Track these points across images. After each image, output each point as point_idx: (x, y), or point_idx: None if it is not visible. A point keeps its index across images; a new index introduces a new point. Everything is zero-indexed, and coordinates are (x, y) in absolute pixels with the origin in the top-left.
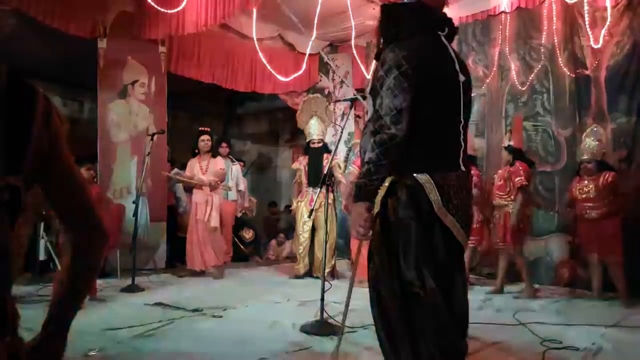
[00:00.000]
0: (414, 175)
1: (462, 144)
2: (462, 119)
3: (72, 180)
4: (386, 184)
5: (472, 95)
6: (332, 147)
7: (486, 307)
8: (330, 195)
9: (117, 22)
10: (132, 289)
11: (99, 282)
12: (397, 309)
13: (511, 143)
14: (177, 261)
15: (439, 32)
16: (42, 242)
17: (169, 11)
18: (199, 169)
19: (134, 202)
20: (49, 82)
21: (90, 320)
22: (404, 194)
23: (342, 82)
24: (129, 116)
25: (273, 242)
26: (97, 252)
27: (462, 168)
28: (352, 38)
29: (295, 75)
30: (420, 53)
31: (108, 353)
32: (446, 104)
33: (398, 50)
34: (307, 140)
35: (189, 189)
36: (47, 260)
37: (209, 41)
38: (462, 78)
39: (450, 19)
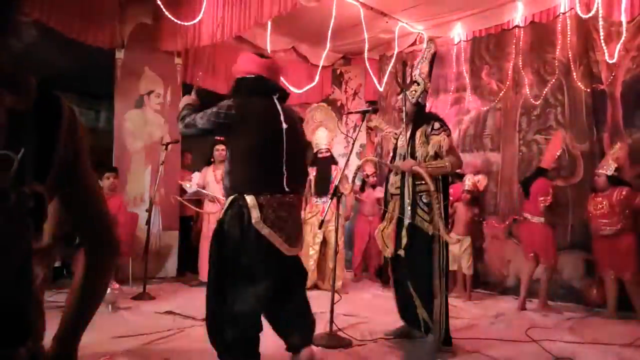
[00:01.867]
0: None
1: (285, 172)
2: (284, 154)
3: (91, 191)
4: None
5: (471, 111)
6: (340, 159)
7: (498, 323)
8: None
9: (135, 33)
10: (143, 296)
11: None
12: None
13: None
14: (188, 270)
15: (272, 96)
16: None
17: (185, 23)
18: (213, 177)
19: (146, 211)
20: (66, 91)
21: (101, 328)
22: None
23: (355, 94)
24: (144, 126)
25: None
26: (109, 264)
27: (287, 190)
28: (365, 51)
29: (309, 87)
30: (246, 107)
31: None
32: (265, 141)
33: (231, 101)
34: (315, 151)
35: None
36: (61, 267)
37: (224, 53)
38: (284, 125)
39: (282, 88)
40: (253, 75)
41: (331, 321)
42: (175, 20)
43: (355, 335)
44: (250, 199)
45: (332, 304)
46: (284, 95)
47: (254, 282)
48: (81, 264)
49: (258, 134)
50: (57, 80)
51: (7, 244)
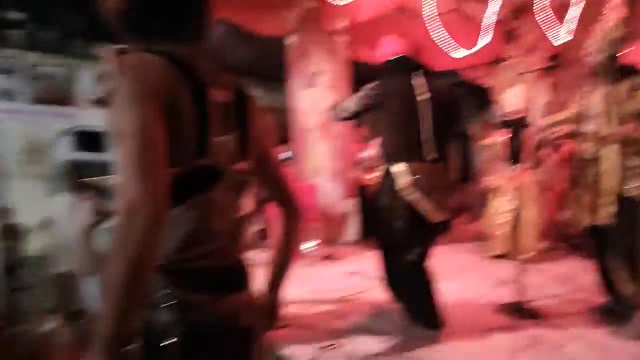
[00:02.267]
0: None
1: (427, 141)
2: (422, 124)
3: (277, 167)
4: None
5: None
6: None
7: None
8: (535, 173)
9: (301, 18)
10: (330, 259)
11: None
12: None
13: None
14: (369, 237)
15: (412, 72)
16: (259, 216)
17: (348, 1)
18: None
19: (324, 182)
20: (248, 77)
21: (299, 282)
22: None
23: (530, 49)
24: (317, 103)
25: (460, 219)
26: (298, 228)
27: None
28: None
29: (476, 48)
30: (386, 86)
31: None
32: (404, 114)
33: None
34: (503, 112)
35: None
36: (263, 230)
37: (385, 25)
38: (424, 97)
39: (421, 64)
40: (395, 57)
41: (520, 291)
42: (338, 1)
43: (547, 308)
44: (398, 167)
45: (521, 273)
46: (425, 70)
47: (406, 247)
48: (278, 228)
49: (397, 108)
50: (240, 69)
51: (228, 212)
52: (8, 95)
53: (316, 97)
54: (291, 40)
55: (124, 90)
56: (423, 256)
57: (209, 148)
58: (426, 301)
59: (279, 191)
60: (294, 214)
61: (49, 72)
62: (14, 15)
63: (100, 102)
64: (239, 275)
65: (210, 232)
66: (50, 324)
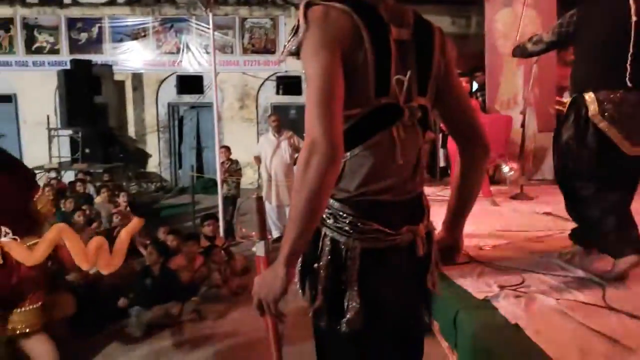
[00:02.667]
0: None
1: (629, 68)
2: (630, 48)
3: (463, 100)
4: None
5: None
6: None
7: None
8: None
9: None
10: (521, 196)
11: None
12: None
13: None
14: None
15: None
16: (442, 151)
17: None
18: None
19: (521, 113)
20: (439, 3)
21: (482, 221)
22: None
23: None
24: (515, 24)
25: None
26: (481, 163)
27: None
28: None
29: None
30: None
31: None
32: (608, 36)
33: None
34: None
35: None
36: (445, 167)
37: None
38: (634, 18)
39: None
40: None
41: None
42: None
43: None
44: (588, 96)
45: None
46: None
47: (599, 182)
48: (460, 160)
49: (600, 30)
50: None
51: (409, 148)
52: (225, 48)
53: (514, 18)
54: None
55: (309, 40)
56: (621, 200)
57: (389, 86)
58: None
59: (464, 126)
60: (478, 150)
61: (256, 24)
62: None
63: (294, 52)
64: (417, 208)
65: (391, 167)
66: (259, 249)
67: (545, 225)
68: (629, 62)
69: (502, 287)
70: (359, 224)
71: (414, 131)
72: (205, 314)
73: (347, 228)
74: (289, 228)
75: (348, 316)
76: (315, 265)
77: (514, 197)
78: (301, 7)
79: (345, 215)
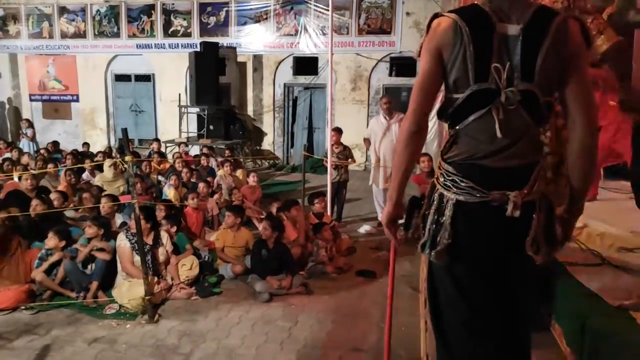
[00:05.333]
0: None
1: None
2: None
3: (582, 90)
4: None
5: None
6: None
7: None
8: None
9: None
10: None
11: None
12: None
13: None
14: None
15: None
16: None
17: None
18: None
19: None
20: None
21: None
22: None
23: None
24: None
25: None
26: (586, 145)
27: None
28: None
29: None
30: None
31: None
32: None
33: None
34: None
35: None
36: None
37: None
38: None
39: None
40: None
41: None
42: None
43: None
44: None
45: None
46: None
47: None
48: (571, 144)
49: None
50: None
51: (511, 125)
52: (341, 29)
53: None
54: None
55: (423, 45)
56: None
57: (488, 74)
58: None
59: (574, 111)
60: (583, 134)
61: (374, 3)
62: None
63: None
64: (518, 177)
65: (491, 140)
66: (364, 227)
67: None
68: None
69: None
70: (457, 180)
71: (518, 112)
72: (312, 288)
73: (449, 184)
74: (392, 178)
75: (438, 249)
76: (427, 211)
77: None
78: (429, 18)
79: (450, 174)
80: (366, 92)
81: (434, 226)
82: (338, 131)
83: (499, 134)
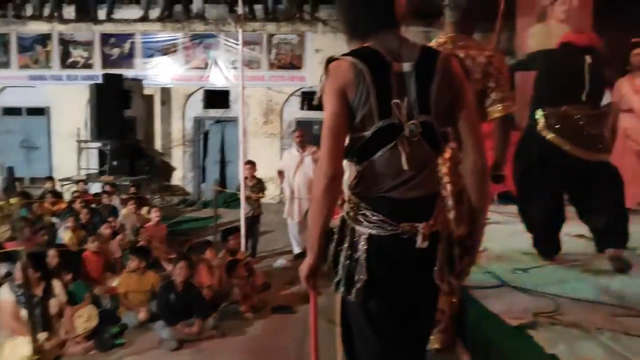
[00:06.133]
0: None
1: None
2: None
3: (470, 119)
4: None
5: None
6: None
7: None
8: None
9: None
10: None
11: None
12: None
13: None
14: None
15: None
16: None
17: None
18: (631, 90)
19: None
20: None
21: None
22: None
23: None
24: (549, 39)
25: None
26: (477, 172)
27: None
28: None
29: None
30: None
31: None
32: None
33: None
34: None
35: None
36: None
37: None
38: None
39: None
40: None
41: None
42: None
43: None
44: (538, 112)
45: None
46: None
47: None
48: (465, 170)
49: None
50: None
51: (415, 156)
52: (252, 64)
53: (547, 32)
54: None
55: (325, 89)
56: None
57: (390, 110)
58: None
59: (465, 140)
60: (474, 164)
61: (283, 39)
62: None
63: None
64: (424, 208)
65: (398, 173)
66: (279, 261)
67: (577, 248)
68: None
69: (536, 315)
70: (368, 214)
71: (420, 144)
72: (225, 330)
73: (361, 218)
74: (309, 226)
75: (357, 286)
76: (339, 247)
77: None
78: (325, 62)
79: (361, 208)
80: (279, 126)
81: (347, 262)
82: (251, 164)
83: (405, 166)
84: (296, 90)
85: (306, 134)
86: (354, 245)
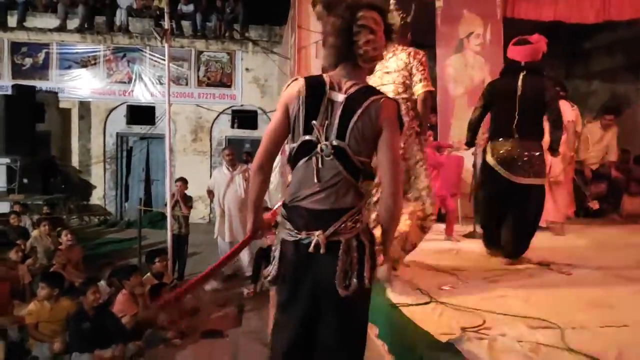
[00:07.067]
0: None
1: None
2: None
3: (388, 159)
4: None
5: None
6: None
7: None
8: None
9: None
10: (474, 235)
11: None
12: None
13: None
14: None
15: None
16: None
17: None
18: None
19: (472, 154)
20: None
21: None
22: None
23: None
24: (465, 69)
25: (626, 196)
26: (387, 201)
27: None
28: None
29: None
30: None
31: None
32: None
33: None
34: None
35: None
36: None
37: None
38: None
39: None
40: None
41: None
42: None
43: None
44: (488, 144)
45: None
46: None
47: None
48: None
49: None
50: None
51: (327, 171)
52: (179, 80)
53: (464, 63)
54: (440, 4)
55: (280, 99)
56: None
57: (312, 129)
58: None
59: (381, 173)
60: (386, 204)
61: (213, 57)
62: (185, 7)
63: None
64: (328, 219)
65: (310, 185)
66: (210, 284)
67: (499, 264)
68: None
69: (464, 329)
70: (285, 221)
71: (333, 162)
72: (152, 357)
73: (281, 225)
74: (249, 201)
75: (270, 276)
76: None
77: (467, 236)
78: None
79: (282, 216)
80: (208, 144)
81: (272, 259)
82: (183, 181)
83: (315, 179)
84: (227, 108)
85: (237, 152)
86: (275, 247)
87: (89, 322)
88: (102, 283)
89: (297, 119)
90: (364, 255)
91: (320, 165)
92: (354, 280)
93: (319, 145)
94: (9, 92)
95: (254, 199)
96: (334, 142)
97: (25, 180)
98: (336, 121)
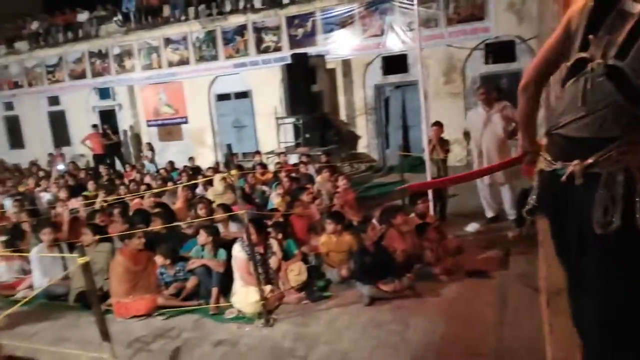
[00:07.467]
0: None
1: None
2: None
3: None
4: None
5: None
6: None
7: None
8: None
9: None
10: None
11: None
12: None
13: None
14: None
15: None
16: None
17: None
18: None
19: None
20: None
21: None
22: None
23: None
24: None
25: None
26: None
27: None
28: None
29: None
30: None
31: None
32: None
33: None
34: None
35: None
36: None
37: None
38: None
39: None
40: None
41: None
42: None
43: None
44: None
45: None
46: None
47: None
48: None
49: None
50: None
51: (598, 94)
52: (428, 22)
53: None
54: None
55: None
56: None
57: (586, 45)
58: None
59: None
60: None
61: None
62: None
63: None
64: (586, 148)
65: (572, 109)
66: (472, 225)
67: None
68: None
69: None
70: (544, 152)
71: (605, 84)
72: (419, 290)
73: (542, 157)
74: (519, 125)
75: (527, 207)
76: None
77: None
78: None
79: (545, 147)
80: (461, 84)
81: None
82: (439, 125)
83: (579, 103)
84: (479, 44)
85: (492, 90)
86: (536, 178)
87: (370, 257)
88: (374, 221)
89: (576, 34)
90: (634, 192)
91: (588, 87)
92: (618, 218)
93: (589, 65)
94: (289, 61)
95: (521, 118)
96: (610, 62)
97: (307, 135)
98: (622, 36)
